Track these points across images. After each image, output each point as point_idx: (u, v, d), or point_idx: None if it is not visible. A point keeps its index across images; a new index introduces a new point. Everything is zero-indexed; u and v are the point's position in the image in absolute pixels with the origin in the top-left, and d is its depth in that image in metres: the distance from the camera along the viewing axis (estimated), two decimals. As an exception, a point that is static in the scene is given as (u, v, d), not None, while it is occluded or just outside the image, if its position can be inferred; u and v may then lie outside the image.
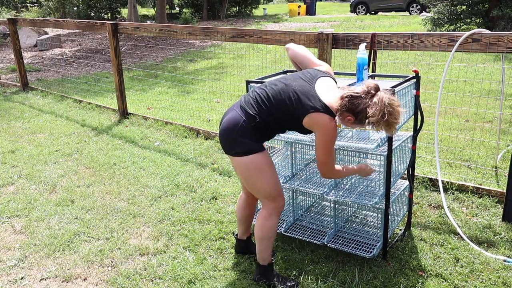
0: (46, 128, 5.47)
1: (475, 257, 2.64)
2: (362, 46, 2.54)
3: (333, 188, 2.66)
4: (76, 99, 6.79)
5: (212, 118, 5.68)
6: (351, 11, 22.10)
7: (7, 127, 5.60)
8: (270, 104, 2.19)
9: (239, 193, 3.53)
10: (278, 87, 2.22)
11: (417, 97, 2.70)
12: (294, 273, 2.55)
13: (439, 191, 3.42)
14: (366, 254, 2.56)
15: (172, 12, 25.19)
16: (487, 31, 2.92)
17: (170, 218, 3.23)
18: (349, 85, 2.56)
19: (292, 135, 2.63)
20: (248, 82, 2.84)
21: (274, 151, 3.14)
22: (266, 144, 3.03)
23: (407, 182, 2.90)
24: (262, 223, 2.35)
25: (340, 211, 2.90)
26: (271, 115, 2.20)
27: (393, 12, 21.11)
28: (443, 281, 2.44)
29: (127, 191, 3.69)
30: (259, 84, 2.36)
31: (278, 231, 2.87)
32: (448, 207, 3.20)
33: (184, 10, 23.22)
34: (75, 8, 19.66)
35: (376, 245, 2.63)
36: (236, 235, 2.74)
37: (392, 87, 2.37)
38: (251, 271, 2.57)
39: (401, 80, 2.61)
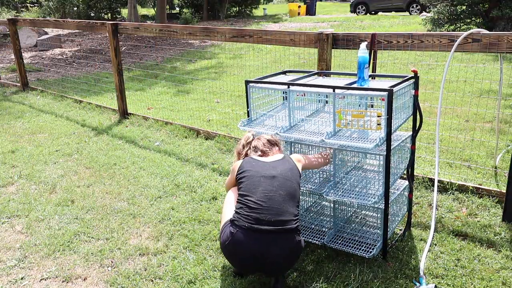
0: (46, 128, 5.47)
1: (475, 257, 2.64)
2: (363, 45, 2.54)
3: (333, 188, 2.66)
4: (76, 99, 6.79)
5: (212, 118, 5.68)
6: (351, 11, 22.11)
7: (7, 127, 5.60)
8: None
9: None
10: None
11: (416, 97, 2.70)
12: (294, 273, 2.55)
13: (439, 191, 3.42)
14: (366, 254, 2.56)
15: (172, 12, 25.20)
16: (485, 31, 2.93)
17: (170, 218, 3.23)
18: (350, 84, 2.58)
19: (292, 135, 2.63)
20: (247, 82, 2.84)
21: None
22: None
23: (407, 182, 2.90)
24: None
25: (339, 211, 2.90)
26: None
27: (393, 12, 21.11)
28: (443, 281, 2.44)
29: (127, 191, 3.69)
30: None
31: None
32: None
33: (184, 10, 23.23)
34: (75, 8, 19.65)
35: (376, 245, 2.63)
36: None
37: (391, 87, 2.37)
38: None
39: (400, 80, 2.61)
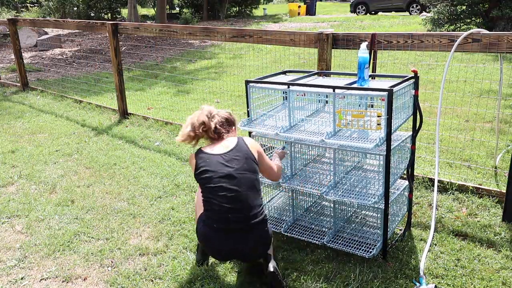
0: (46, 128, 5.47)
1: (475, 257, 2.64)
2: (364, 45, 2.54)
3: (333, 188, 2.66)
4: (76, 99, 6.79)
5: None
6: (351, 11, 22.11)
7: (7, 127, 5.60)
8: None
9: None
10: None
11: (416, 97, 2.70)
12: (295, 273, 2.55)
13: (439, 191, 3.42)
14: (366, 254, 2.56)
15: (172, 12, 25.20)
16: (485, 31, 2.93)
17: (170, 218, 3.23)
18: (350, 84, 2.59)
19: (292, 135, 2.63)
20: (247, 82, 2.84)
21: (273, 151, 3.14)
22: (266, 144, 3.03)
23: (407, 182, 2.90)
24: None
25: (339, 211, 2.90)
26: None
27: (393, 12, 21.11)
28: (443, 281, 2.44)
29: (127, 191, 3.69)
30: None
31: (278, 231, 2.87)
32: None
33: (184, 10, 23.23)
34: (75, 8, 19.65)
35: (376, 245, 2.63)
36: None
37: (391, 86, 2.37)
38: (251, 271, 2.58)
39: (400, 80, 2.62)
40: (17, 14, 20.77)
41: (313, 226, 2.92)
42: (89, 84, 8.15)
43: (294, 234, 2.83)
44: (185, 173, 3.98)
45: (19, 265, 2.76)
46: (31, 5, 22.74)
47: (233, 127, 2.61)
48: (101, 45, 13.17)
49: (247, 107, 2.89)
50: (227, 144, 2.45)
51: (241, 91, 6.89)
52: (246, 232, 2.30)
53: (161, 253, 2.81)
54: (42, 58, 11.52)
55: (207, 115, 2.52)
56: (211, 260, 2.69)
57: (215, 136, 2.50)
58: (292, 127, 2.73)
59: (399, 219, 2.87)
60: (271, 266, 2.36)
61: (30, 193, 3.73)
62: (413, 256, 2.67)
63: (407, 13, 20.22)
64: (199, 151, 2.48)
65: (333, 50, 3.60)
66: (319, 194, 2.65)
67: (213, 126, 2.49)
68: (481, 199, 3.27)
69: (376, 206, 2.68)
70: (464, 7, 11.01)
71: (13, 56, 9.22)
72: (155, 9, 20.10)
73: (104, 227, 3.15)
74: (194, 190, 3.64)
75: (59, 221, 3.24)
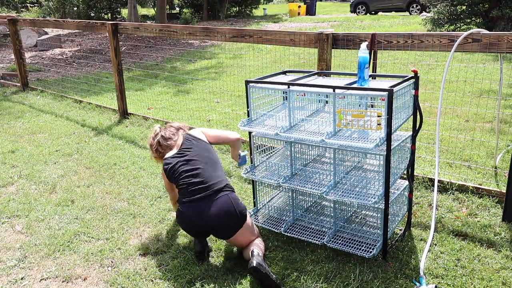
0: (46, 128, 5.48)
1: (475, 257, 2.64)
2: (364, 45, 2.54)
3: (333, 188, 2.66)
4: (76, 99, 6.80)
5: (212, 118, 5.68)
6: (351, 11, 22.11)
7: (7, 127, 5.60)
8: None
9: (239, 192, 3.54)
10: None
11: (416, 97, 2.70)
12: (295, 273, 2.55)
13: (439, 191, 3.42)
14: (366, 254, 2.56)
15: (172, 12, 25.20)
16: (485, 31, 2.93)
17: (170, 218, 3.23)
18: (350, 84, 2.59)
19: (292, 135, 2.63)
20: (247, 82, 2.84)
21: (273, 151, 3.14)
22: (267, 144, 3.04)
23: (407, 182, 2.90)
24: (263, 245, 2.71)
25: (339, 211, 2.90)
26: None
27: (393, 12, 21.12)
28: (443, 281, 2.44)
29: (127, 191, 3.69)
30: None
31: (278, 231, 2.88)
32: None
33: (184, 10, 23.23)
34: (75, 8, 19.65)
35: (376, 245, 2.63)
36: None
37: (391, 86, 2.37)
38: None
39: (400, 80, 2.62)
40: (17, 14, 20.78)
41: (313, 226, 2.92)
42: (89, 84, 8.15)
43: (294, 234, 2.83)
44: (185, 173, 3.98)
45: (19, 265, 2.76)
46: (31, 5, 22.75)
47: (180, 130, 2.99)
48: (101, 45, 13.17)
49: (247, 107, 2.89)
50: (178, 144, 2.88)
51: (241, 91, 6.89)
52: (208, 199, 2.59)
53: (161, 253, 2.81)
54: (42, 58, 11.52)
55: (152, 137, 2.97)
56: (211, 260, 2.70)
57: (167, 148, 2.89)
58: (292, 127, 2.73)
59: (399, 219, 2.87)
60: (254, 261, 2.36)
61: (30, 193, 3.73)
62: (413, 256, 2.67)
63: (407, 13, 20.23)
64: (158, 146, 2.91)
65: (333, 50, 3.60)
66: (319, 194, 2.64)
67: (157, 143, 2.92)
68: (481, 199, 3.27)
69: (376, 206, 2.68)
70: (464, 7, 11.01)
71: (13, 56, 9.22)
72: (155, 9, 20.10)
73: (104, 227, 3.15)
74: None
75: (59, 221, 3.24)
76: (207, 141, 2.93)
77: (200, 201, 2.59)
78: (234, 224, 2.59)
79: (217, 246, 2.85)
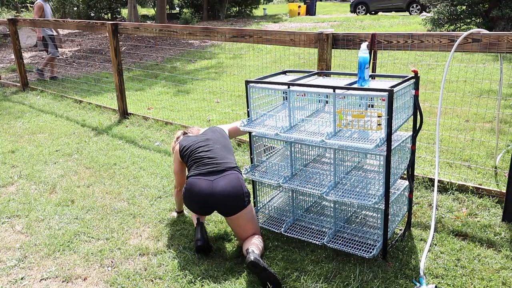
0: (46, 128, 5.47)
1: (475, 257, 2.64)
2: (364, 45, 2.54)
3: (333, 188, 2.66)
4: (76, 99, 6.80)
5: (212, 118, 5.68)
6: (351, 11, 22.10)
7: (7, 127, 5.60)
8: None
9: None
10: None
11: (416, 97, 2.70)
12: (295, 273, 2.55)
13: (439, 191, 3.42)
14: (366, 254, 2.56)
15: (172, 12, 25.19)
16: (485, 31, 2.93)
17: (170, 218, 3.23)
18: (350, 84, 2.59)
19: (292, 135, 2.63)
20: (247, 82, 2.84)
21: (273, 151, 3.14)
22: (267, 144, 3.04)
23: (407, 182, 2.90)
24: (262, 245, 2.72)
25: (339, 211, 2.90)
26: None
27: (393, 12, 21.11)
28: (443, 281, 2.44)
29: (127, 191, 3.69)
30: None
31: (278, 231, 2.88)
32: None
33: (184, 10, 23.23)
34: (75, 8, 19.65)
35: (376, 245, 2.63)
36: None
37: (391, 87, 2.37)
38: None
39: (400, 80, 2.62)
40: (17, 14, 20.77)
41: (313, 226, 2.92)
42: (89, 84, 8.15)
43: (294, 234, 2.83)
44: (185, 173, 3.98)
45: (19, 265, 2.76)
46: (31, 5, 22.73)
47: (195, 129, 3.26)
48: (101, 45, 13.17)
49: (247, 107, 2.89)
50: (199, 132, 3.14)
51: (241, 91, 6.89)
52: (219, 173, 2.70)
53: (161, 253, 2.81)
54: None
55: (176, 137, 3.19)
56: (211, 260, 2.70)
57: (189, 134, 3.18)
58: (292, 127, 2.73)
59: (399, 219, 2.87)
60: (252, 256, 2.38)
61: (30, 193, 3.73)
62: (413, 256, 2.67)
63: (407, 13, 20.22)
64: (178, 140, 3.11)
65: (333, 50, 3.60)
66: (319, 195, 2.64)
67: (182, 133, 3.18)
68: (481, 199, 3.27)
69: (376, 206, 2.68)
70: (464, 7, 11.01)
71: (13, 56, 9.22)
72: (155, 9, 20.10)
73: (104, 227, 3.15)
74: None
75: (59, 221, 3.24)
76: (227, 133, 3.13)
77: (210, 174, 2.70)
78: (240, 200, 2.65)
79: (217, 246, 2.85)
